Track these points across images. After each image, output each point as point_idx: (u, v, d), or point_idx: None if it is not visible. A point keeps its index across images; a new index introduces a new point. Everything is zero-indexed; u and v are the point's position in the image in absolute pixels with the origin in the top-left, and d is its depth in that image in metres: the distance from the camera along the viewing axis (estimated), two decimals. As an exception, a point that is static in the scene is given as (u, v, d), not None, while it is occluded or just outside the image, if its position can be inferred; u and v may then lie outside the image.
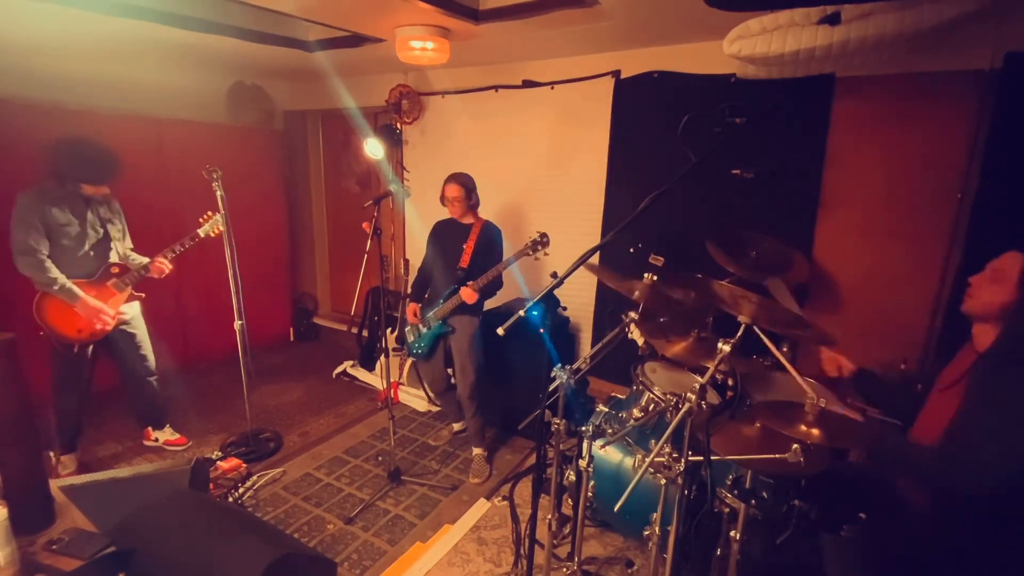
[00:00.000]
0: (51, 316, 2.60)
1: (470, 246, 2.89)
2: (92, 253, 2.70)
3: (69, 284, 2.56)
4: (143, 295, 2.91)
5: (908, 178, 2.58)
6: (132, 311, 2.89)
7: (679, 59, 3.05)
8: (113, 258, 2.78)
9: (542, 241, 2.70)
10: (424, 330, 3.02)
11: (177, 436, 3.17)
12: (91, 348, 2.76)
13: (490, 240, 2.94)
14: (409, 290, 3.27)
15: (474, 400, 2.98)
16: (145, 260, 2.84)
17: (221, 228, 2.89)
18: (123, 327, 2.83)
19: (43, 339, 2.62)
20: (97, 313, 2.65)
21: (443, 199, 2.95)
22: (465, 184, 2.89)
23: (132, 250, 2.92)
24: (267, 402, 3.79)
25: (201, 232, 2.90)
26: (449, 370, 3.13)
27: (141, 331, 2.94)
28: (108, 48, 3.39)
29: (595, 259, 3.34)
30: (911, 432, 1.79)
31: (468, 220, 2.96)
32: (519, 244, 2.78)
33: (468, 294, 2.77)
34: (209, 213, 2.91)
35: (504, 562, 2.32)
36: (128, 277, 2.77)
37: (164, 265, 2.83)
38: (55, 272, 2.53)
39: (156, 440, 3.14)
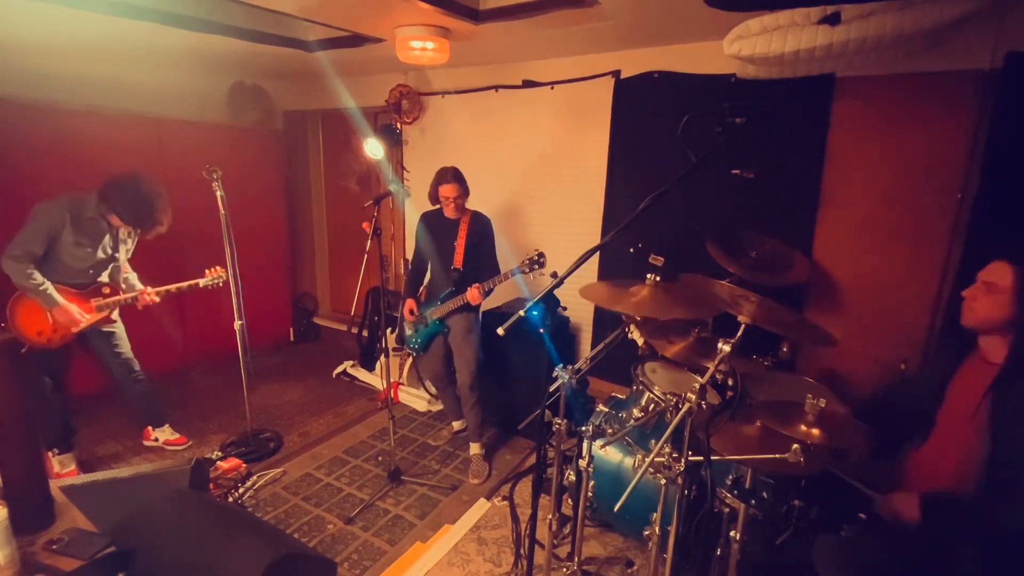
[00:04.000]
0: (20, 314, 2.54)
1: (461, 244, 2.85)
2: (92, 271, 2.67)
3: (51, 291, 2.51)
4: (116, 321, 2.84)
5: (908, 178, 2.58)
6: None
7: (679, 59, 3.05)
8: (105, 278, 2.73)
9: (538, 261, 2.60)
10: (421, 327, 3.02)
11: (177, 436, 3.17)
12: (66, 348, 2.68)
13: (480, 232, 2.89)
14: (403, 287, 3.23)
15: (475, 391, 2.96)
16: (137, 287, 2.82)
17: (225, 281, 2.90)
18: (103, 327, 2.78)
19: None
20: (70, 321, 2.58)
21: (437, 197, 2.83)
22: (463, 182, 2.81)
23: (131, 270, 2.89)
24: (267, 402, 3.79)
25: (202, 283, 2.92)
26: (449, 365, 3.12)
27: (119, 330, 2.89)
28: (108, 48, 3.38)
29: (593, 273, 3.39)
30: (919, 454, 1.74)
31: (457, 214, 2.89)
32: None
33: (474, 295, 2.76)
34: (217, 268, 2.94)
35: (504, 562, 2.32)
36: (113, 302, 2.73)
37: (152, 299, 2.80)
38: (38, 278, 2.48)
39: (156, 440, 3.13)
